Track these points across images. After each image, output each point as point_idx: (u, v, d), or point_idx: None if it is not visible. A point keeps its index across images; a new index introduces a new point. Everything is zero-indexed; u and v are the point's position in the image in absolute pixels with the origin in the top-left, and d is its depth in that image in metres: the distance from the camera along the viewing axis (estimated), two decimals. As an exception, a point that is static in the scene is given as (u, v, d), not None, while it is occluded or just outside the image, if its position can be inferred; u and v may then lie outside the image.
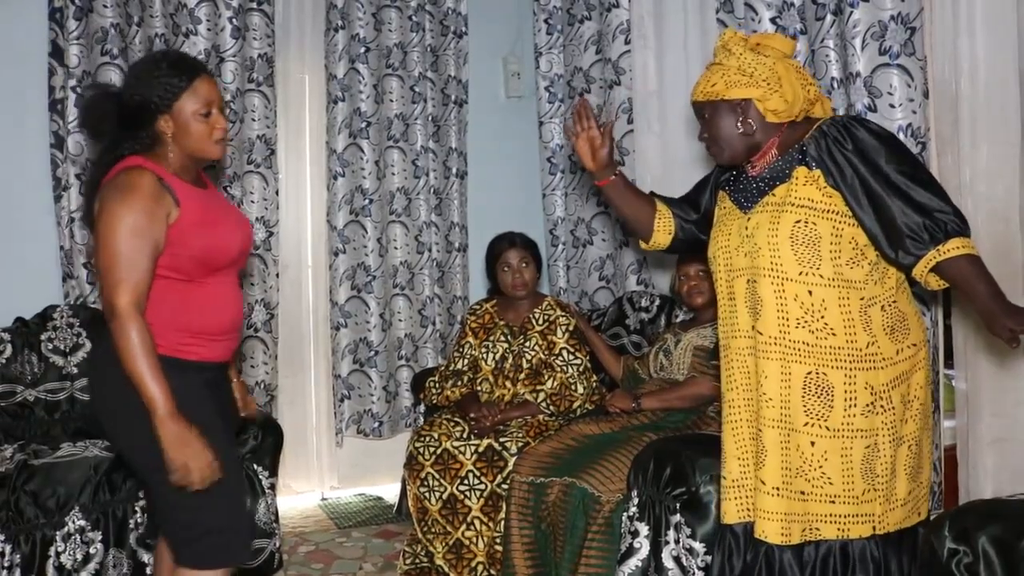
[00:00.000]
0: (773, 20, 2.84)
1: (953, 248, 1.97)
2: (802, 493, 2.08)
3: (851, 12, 2.60)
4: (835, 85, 2.70)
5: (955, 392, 2.77)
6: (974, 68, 2.58)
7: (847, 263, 2.07)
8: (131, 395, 2.01)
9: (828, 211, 2.06)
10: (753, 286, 2.13)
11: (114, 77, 3.55)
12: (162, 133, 2.15)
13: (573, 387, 3.30)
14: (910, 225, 1.99)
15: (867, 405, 2.04)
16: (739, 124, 2.15)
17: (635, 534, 2.59)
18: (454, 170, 4.31)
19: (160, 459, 2.01)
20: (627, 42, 3.76)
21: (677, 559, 2.50)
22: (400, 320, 4.23)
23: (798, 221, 2.06)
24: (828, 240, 2.05)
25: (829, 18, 2.69)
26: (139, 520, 2.92)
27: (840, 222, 2.06)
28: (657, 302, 3.68)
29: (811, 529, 2.09)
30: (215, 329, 2.19)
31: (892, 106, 2.57)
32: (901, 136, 2.54)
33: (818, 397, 2.05)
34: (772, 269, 2.09)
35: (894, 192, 2.00)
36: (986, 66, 2.56)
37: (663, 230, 2.47)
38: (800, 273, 2.07)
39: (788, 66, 2.14)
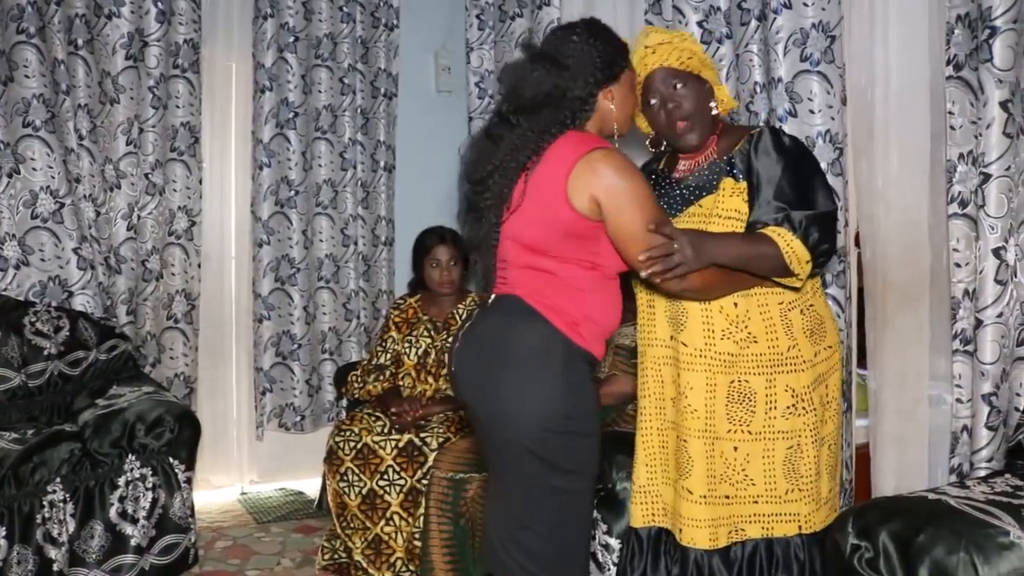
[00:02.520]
0: (700, 23, 2.87)
1: (770, 231, 1.97)
2: (727, 497, 2.10)
3: (775, 19, 2.64)
4: (758, 90, 2.74)
5: (868, 392, 2.84)
6: (887, 77, 2.65)
7: None
8: (563, 391, 1.94)
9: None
10: (676, 298, 2.11)
11: (30, 56, 3.45)
12: (598, 106, 2.01)
13: (496, 383, 3.29)
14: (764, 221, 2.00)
15: (788, 407, 2.07)
16: (712, 105, 2.13)
17: (552, 530, 2.59)
18: (382, 163, 4.28)
19: (566, 463, 1.95)
20: (558, 40, 3.77)
21: (593, 555, 2.52)
22: (324, 313, 4.19)
23: None
24: None
25: (753, 23, 2.73)
26: (46, 515, 2.83)
27: None
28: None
29: (736, 530, 2.12)
30: (612, 328, 2.07)
31: (812, 112, 2.61)
32: (820, 142, 2.59)
33: (740, 404, 2.07)
34: None
35: (775, 198, 2.00)
36: (899, 75, 2.64)
37: None
38: None
39: None
